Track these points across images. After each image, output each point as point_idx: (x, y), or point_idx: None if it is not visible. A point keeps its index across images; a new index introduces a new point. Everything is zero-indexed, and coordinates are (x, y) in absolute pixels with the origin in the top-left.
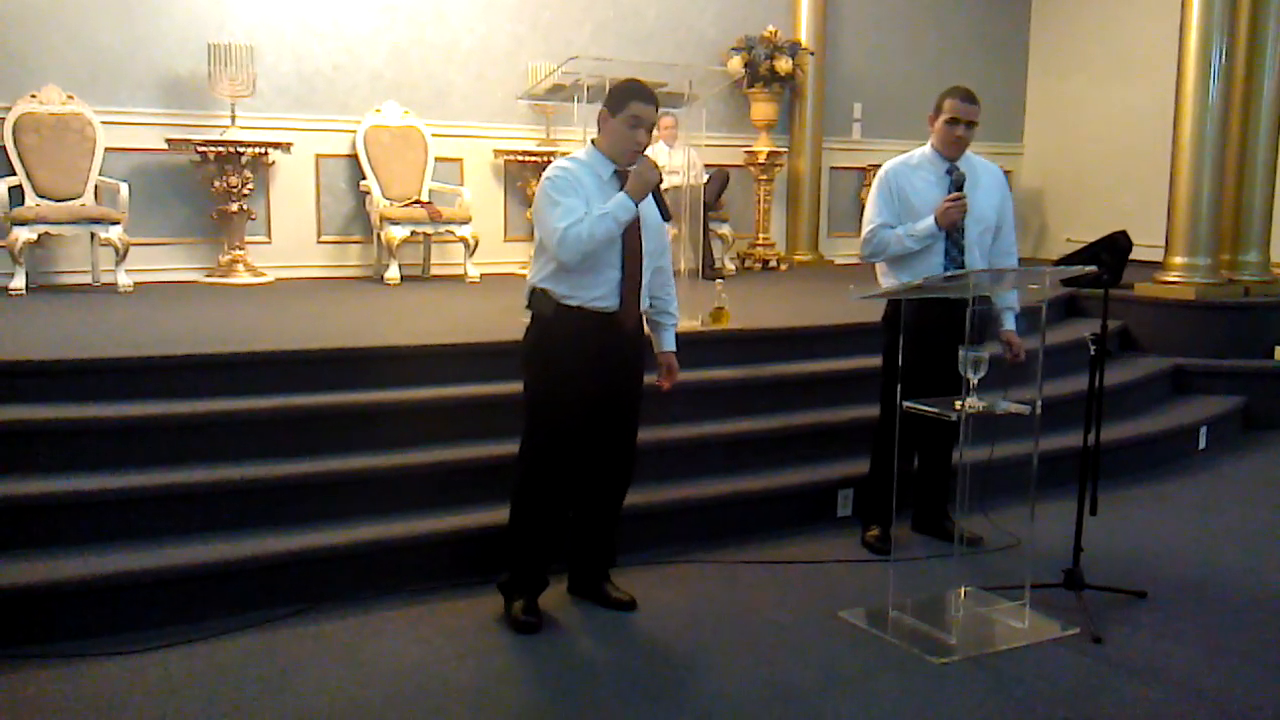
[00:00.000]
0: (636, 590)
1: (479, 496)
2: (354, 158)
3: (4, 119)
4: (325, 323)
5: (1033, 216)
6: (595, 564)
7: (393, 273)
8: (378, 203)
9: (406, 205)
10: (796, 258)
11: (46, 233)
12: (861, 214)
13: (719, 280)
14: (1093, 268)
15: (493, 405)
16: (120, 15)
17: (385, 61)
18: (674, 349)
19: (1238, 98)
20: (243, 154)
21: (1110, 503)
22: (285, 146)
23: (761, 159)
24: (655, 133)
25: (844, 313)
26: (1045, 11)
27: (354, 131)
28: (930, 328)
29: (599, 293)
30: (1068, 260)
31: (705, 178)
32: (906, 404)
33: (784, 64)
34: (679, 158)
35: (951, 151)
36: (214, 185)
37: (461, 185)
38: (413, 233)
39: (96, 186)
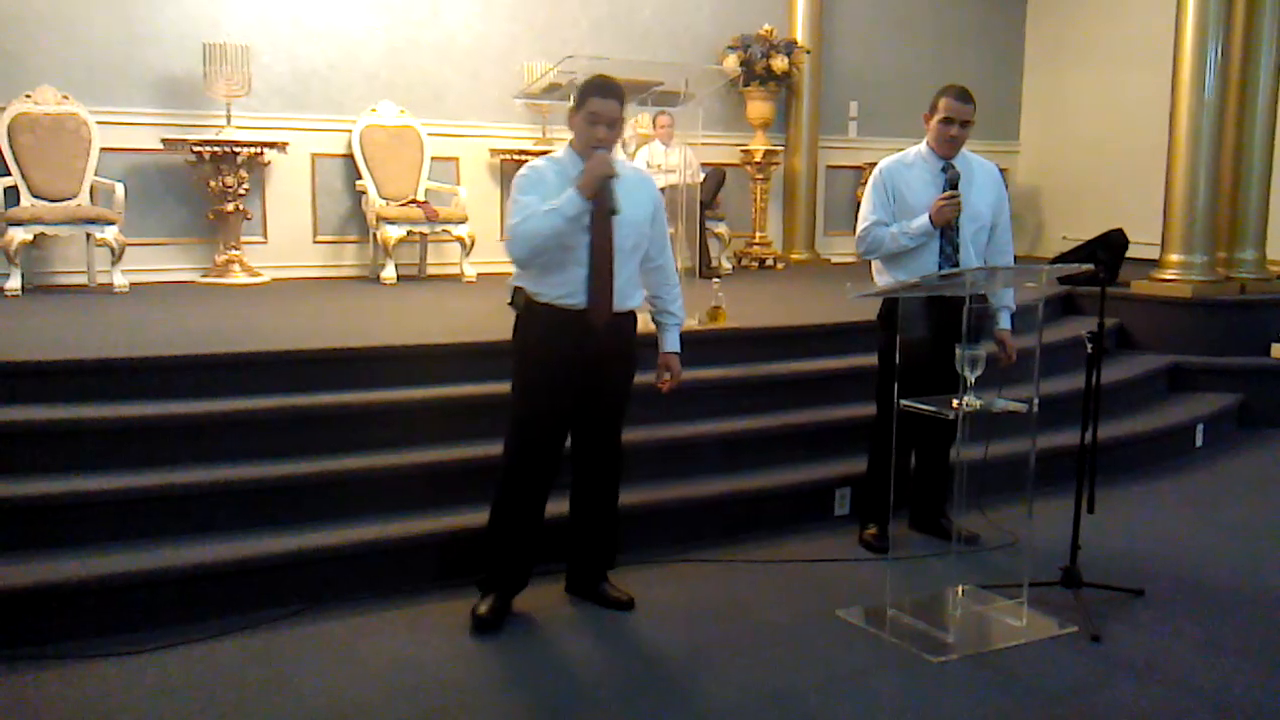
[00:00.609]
0: (634, 589)
1: (476, 496)
2: (350, 157)
3: None
4: (322, 323)
5: (1029, 214)
6: (593, 564)
7: (389, 272)
8: (374, 202)
9: (403, 205)
10: (793, 256)
11: (42, 233)
12: (858, 212)
13: (715, 279)
14: (1089, 265)
15: (490, 405)
16: (115, 15)
17: (381, 61)
18: (675, 350)
19: (1234, 95)
20: (238, 154)
21: (1107, 501)
22: (281, 146)
23: (758, 158)
24: (651, 131)
25: (841, 311)
26: (1041, 9)
27: (350, 131)
28: (926, 326)
29: (565, 290)
30: (1064, 258)
31: (701, 176)
32: (903, 403)
33: (780, 62)
34: (675, 156)
35: (946, 150)
36: (210, 185)
37: (458, 185)
38: (409, 232)
39: (92, 187)
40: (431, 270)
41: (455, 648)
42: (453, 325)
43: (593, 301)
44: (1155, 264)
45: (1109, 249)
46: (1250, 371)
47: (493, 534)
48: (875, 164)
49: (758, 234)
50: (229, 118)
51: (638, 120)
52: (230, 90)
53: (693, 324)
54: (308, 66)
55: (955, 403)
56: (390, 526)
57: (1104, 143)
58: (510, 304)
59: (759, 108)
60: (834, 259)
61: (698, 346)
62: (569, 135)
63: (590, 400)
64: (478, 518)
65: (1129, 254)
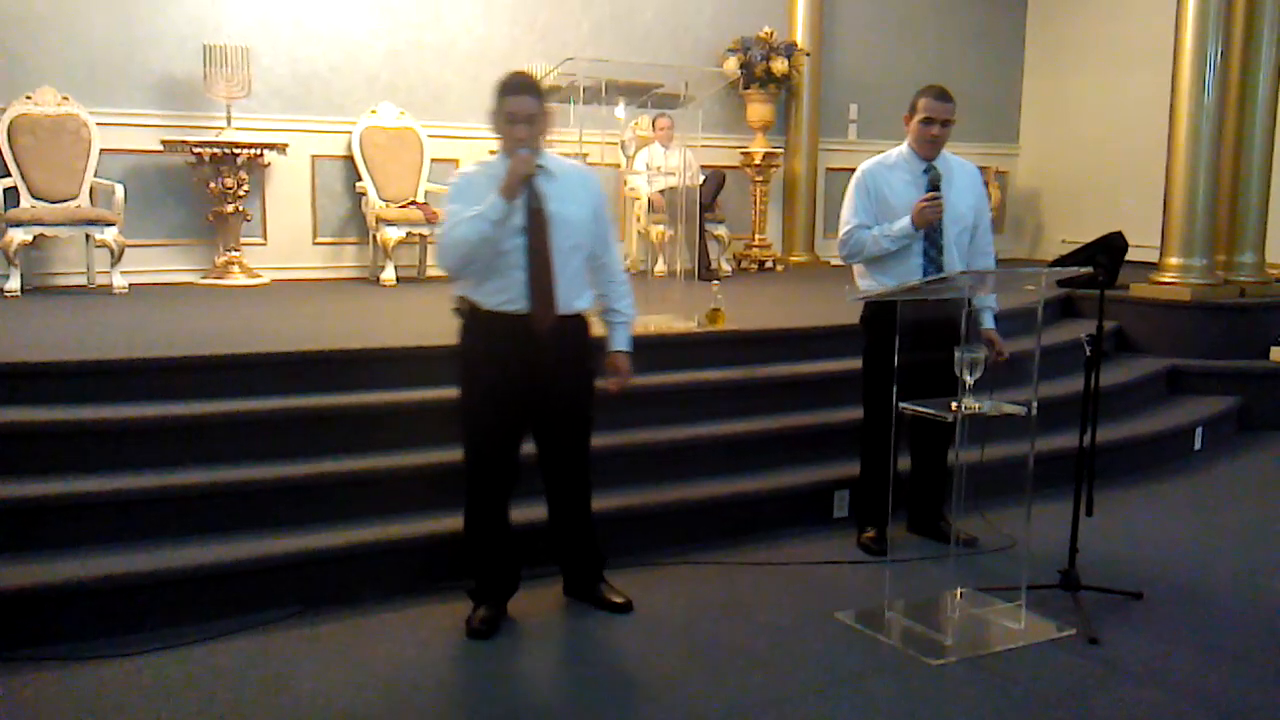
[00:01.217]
0: (633, 591)
1: None
2: (350, 159)
3: None
4: (321, 324)
5: (1028, 217)
6: (585, 568)
7: (389, 274)
8: (373, 204)
9: (402, 206)
10: (792, 259)
11: (42, 234)
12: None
13: (715, 281)
14: (1088, 268)
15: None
16: (116, 16)
17: (381, 63)
18: (624, 349)
19: (1233, 98)
20: (238, 155)
21: (1106, 504)
22: (281, 148)
23: (757, 160)
24: (651, 133)
25: (840, 314)
26: (1041, 12)
27: (350, 133)
28: (912, 329)
29: (506, 295)
30: (1064, 261)
31: (701, 179)
32: (903, 405)
33: (780, 65)
34: (675, 159)
35: (927, 151)
36: (209, 187)
37: None
38: (408, 234)
39: (92, 188)
40: (431, 272)
41: (454, 650)
42: (452, 327)
43: (534, 305)
44: (1155, 267)
45: (1108, 252)
46: (1249, 374)
47: (468, 543)
48: None
49: (757, 236)
50: (229, 119)
51: (638, 123)
52: (230, 92)
53: (692, 326)
54: (308, 68)
55: (954, 405)
56: (389, 528)
57: (1104, 145)
58: (455, 311)
59: (759, 110)
60: (834, 261)
61: (697, 348)
62: (568, 137)
63: (546, 408)
64: None
65: (1128, 257)
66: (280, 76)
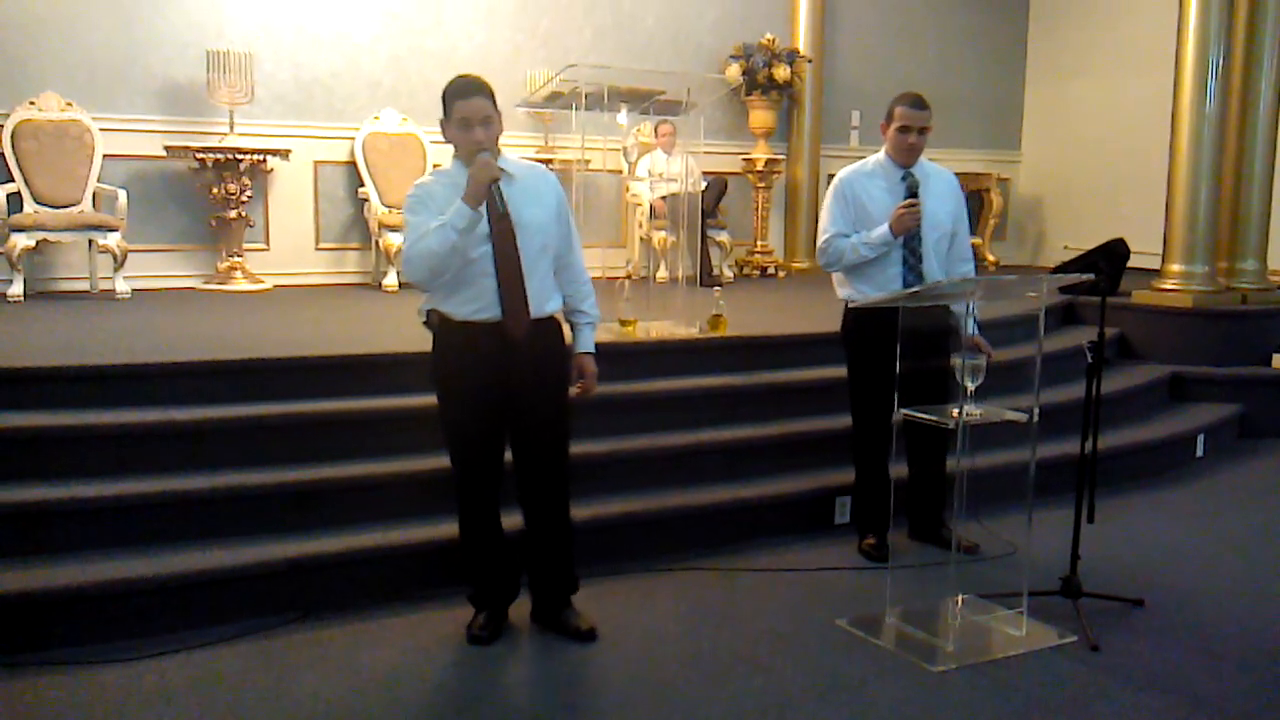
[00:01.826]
0: (633, 597)
1: None
2: (352, 165)
3: (2, 126)
4: (324, 330)
5: (1030, 224)
6: (552, 590)
7: (391, 280)
8: (376, 210)
9: None
10: (794, 265)
11: (45, 239)
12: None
13: (717, 287)
14: (1090, 275)
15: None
16: (119, 22)
17: (384, 69)
18: (589, 350)
19: (1235, 104)
20: (241, 161)
21: (1108, 511)
22: (284, 154)
23: (760, 166)
24: (653, 140)
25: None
26: (1043, 19)
27: (352, 139)
28: (890, 336)
29: (478, 304)
30: (1065, 267)
31: (703, 185)
32: (904, 412)
33: (782, 71)
34: (677, 165)
35: (905, 158)
36: (212, 192)
37: None
38: None
39: (95, 193)
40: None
41: (454, 656)
42: None
43: (507, 311)
44: (1156, 274)
45: (1110, 259)
46: (1251, 382)
47: (464, 550)
48: None
49: (759, 242)
50: (232, 125)
51: (640, 129)
52: (233, 97)
53: (694, 332)
54: (311, 74)
55: (955, 412)
56: (390, 533)
57: (1106, 152)
58: (425, 324)
59: (761, 116)
60: None
61: (698, 355)
62: (570, 143)
63: (523, 414)
64: None
65: (1130, 264)
66: (283, 82)
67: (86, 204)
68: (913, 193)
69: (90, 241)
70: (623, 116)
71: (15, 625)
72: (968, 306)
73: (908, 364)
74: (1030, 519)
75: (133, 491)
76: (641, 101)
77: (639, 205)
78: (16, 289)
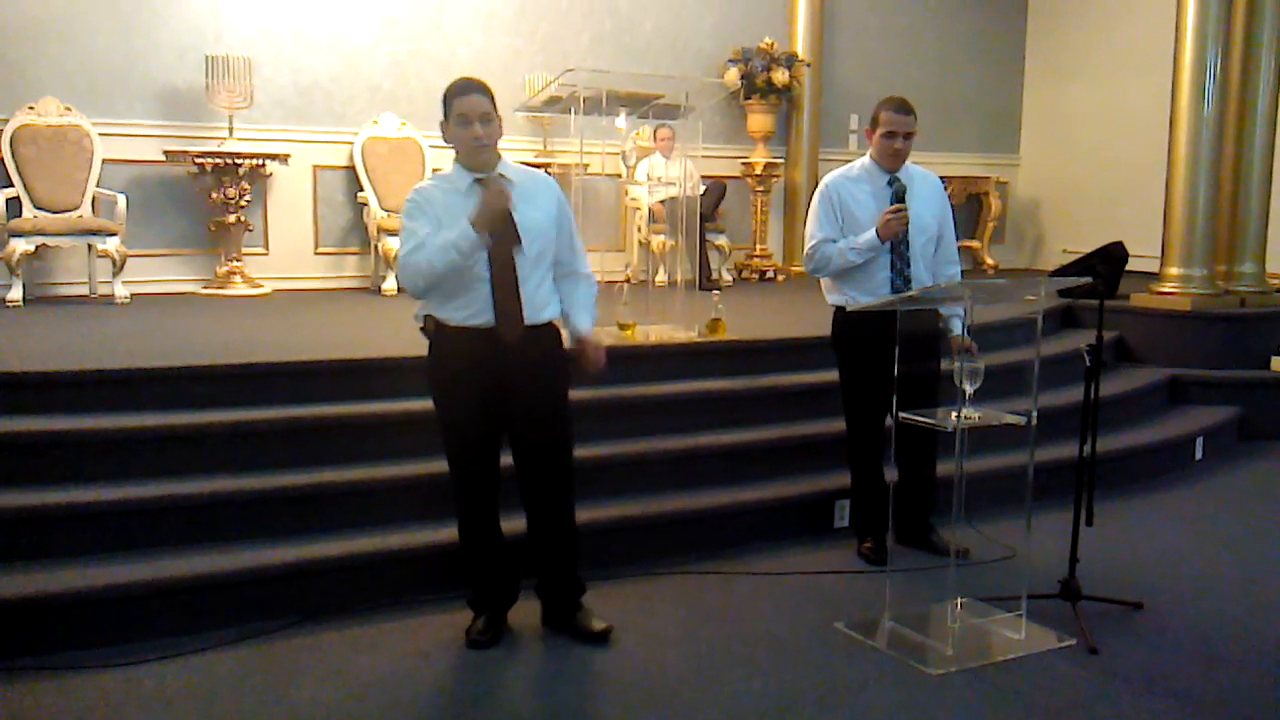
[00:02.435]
0: (632, 601)
1: None
2: (351, 169)
3: (2, 131)
4: (323, 334)
5: (1029, 227)
6: (561, 594)
7: (390, 284)
8: (375, 214)
9: None
10: (793, 269)
11: (44, 244)
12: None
13: (716, 291)
14: (1088, 279)
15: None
16: (118, 27)
17: (383, 73)
18: (586, 332)
19: (1233, 108)
20: (240, 165)
21: (1106, 514)
22: (283, 158)
23: (758, 170)
24: (652, 144)
25: None
26: (1042, 22)
27: (351, 143)
28: (881, 340)
29: (473, 309)
30: (1064, 271)
31: (702, 189)
32: (902, 415)
33: (780, 76)
34: (675, 169)
35: (891, 163)
36: (211, 197)
37: None
38: None
39: (94, 198)
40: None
41: (453, 661)
42: None
43: (501, 317)
44: (1155, 277)
45: (1109, 262)
46: (1250, 384)
47: (463, 554)
48: None
49: (758, 246)
50: (231, 129)
51: (639, 133)
52: (232, 102)
53: (692, 336)
54: (309, 79)
55: (953, 415)
56: (390, 538)
57: (1104, 155)
58: (421, 330)
59: (759, 120)
60: None
61: (697, 358)
62: (568, 147)
63: (521, 421)
64: None
65: (1129, 267)
66: (282, 87)
67: (85, 209)
68: (899, 198)
69: (89, 246)
70: (621, 121)
71: (14, 630)
72: (965, 310)
73: (901, 368)
74: (1029, 522)
75: (131, 496)
76: (640, 106)
77: (638, 209)
78: (15, 294)
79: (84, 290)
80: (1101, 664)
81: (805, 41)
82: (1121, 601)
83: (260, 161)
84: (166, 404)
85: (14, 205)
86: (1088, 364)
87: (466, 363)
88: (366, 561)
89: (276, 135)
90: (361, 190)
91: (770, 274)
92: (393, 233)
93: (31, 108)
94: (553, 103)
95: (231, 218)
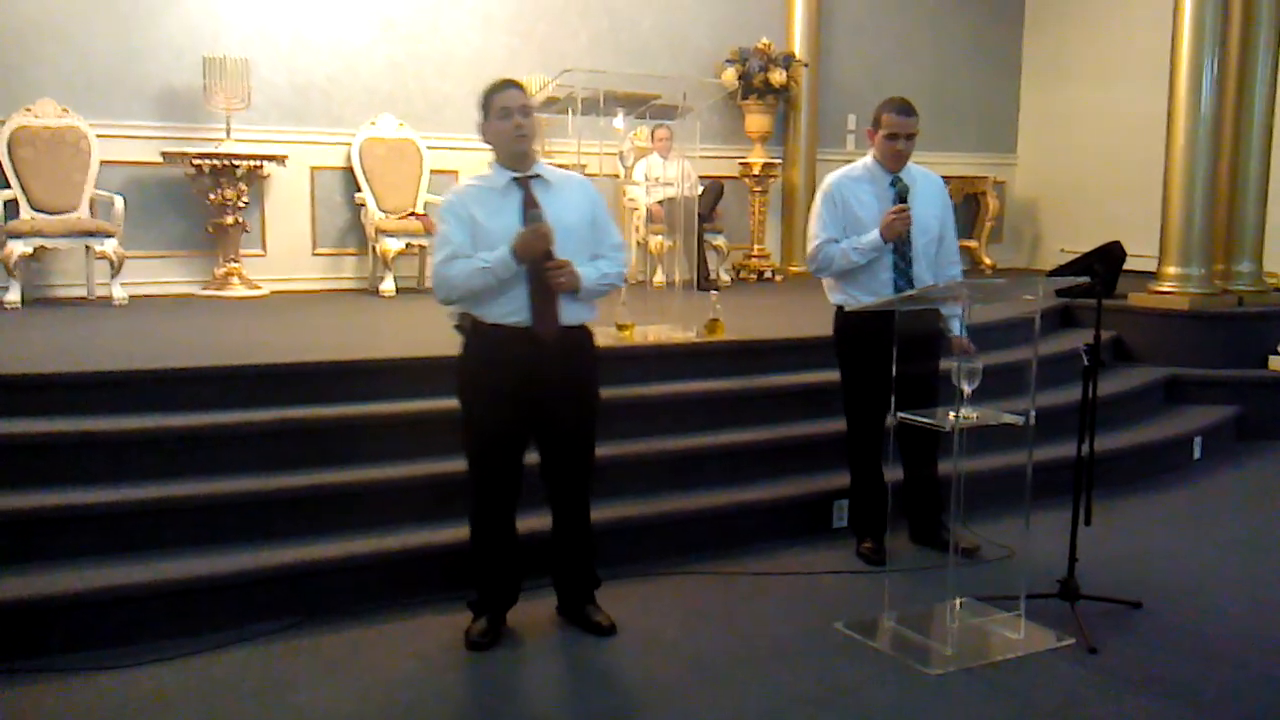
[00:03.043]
0: (631, 601)
1: None
2: (349, 170)
3: None
4: (321, 335)
5: (1027, 227)
6: (576, 587)
7: (388, 285)
8: (373, 215)
9: (402, 218)
10: (791, 269)
11: (41, 246)
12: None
13: (714, 291)
14: (1086, 278)
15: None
16: (115, 29)
17: (380, 74)
18: (583, 274)
19: (1230, 107)
20: (238, 167)
21: (1105, 513)
22: (280, 159)
23: (756, 170)
24: (649, 144)
25: None
26: (1039, 22)
27: (349, 144)
28: (882, 340)
29: (511, 307)
30: (1061, 271)
31: (699, 189)
32: (900, 415)
33: (778, 76)
34: (673, 169)
35: (893, 164)
36: (209, 198)
37: None
38: (408, 245)
39: (91, 200)
40: (430, 283)
41: (452, 662)
42: (451, 338)
43: (537, 319)
44: (1153, 276)
45: (1106, 261)
46: (1248, 383)
47: (474, 555)
48: None
49: (756, 246)
50: (228, 130)
51: (636, 134)
52: (230, 103)
53: (690, 336)
54: (307, 79)
55: (951, 415)
56: (388, 539)
57: (1102, 155)
58: (456, 328)
59: (757, 121)
60: None
61: (696, 359)
62: (566, 148)
63: (548, 420)
64: None
65: (1126, 266)
66: (279, 88)
67: (83, 210)
68: (902, 198)
69: (87, 248)
70: (619, 121)
71: (13, 632)
72: (963, 310)
73: (899, 367)
74: (1028, 522)
75: (130, 498)
76: (637, 106)
77: (635, 210)
78: (13, 295)
79: (82, 292)
80: (1100, 663)
81: (802, 42)
82: (1120, 601)
83: (258, 163)
84: (164, 405)
85: (11, 207)
86: (1086, 363)
87: (501, 360)
88: (365, 563)
89: (274, 136)
90: (359, 191)
91: (768, 274)
92: (391, 233)
93: (29, 109)
94: (550, 103)
95: (229, 219)
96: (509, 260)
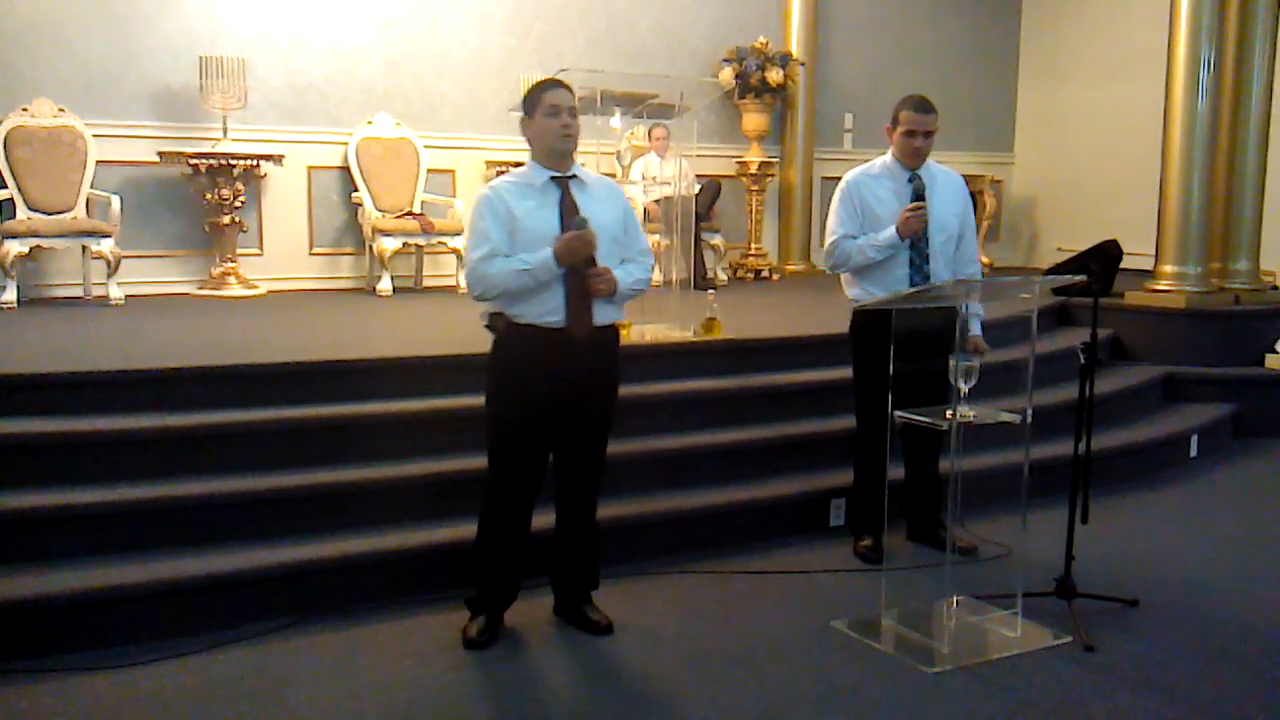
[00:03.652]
0: (628, 600)
1: (471, 509)
2: (346, 170)
3: None
4: (317, 335)
5: (1024, 225)
6: (575, 585)
7: (385, 284)
8: (370, 214)
9: (399, 217)
10: (789, 268)
11: (38, 246)
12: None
13: (711, 291)
14: (1083, 277)
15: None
16: (112, 28)
17: (377, 74)
18: (619, 276)
19: (1226, 106)
20: (235, 166)
21: (1102, 511)
22: (277, 159)
23: (753, 169)
24: (646, 143)
25: (836, 322)
26: (1036, 21)
27: (346, 144)
28: (902, 338)
29: (545, 307)
30: (1058, 269)
31: (697, 188)
32: (897, 414)
33: (775, 75)
34: (670, 168)
35: (911, 161)
36: (206, 198)
37: (454, 197)
38: (405, 244)
39: (88, 199)
40: (427, 282)
41: (449, 662)
42: (449, 337)
43: (572, 319)
44: (1149, 274)
45: (1103, 260)
46: (1245, 382)
47: (481, 552)
48: None
49: (753, 245)
50: (225, 130)
51: (633, 133)
52: (227, 103)
53: (688, 335)
54: (304, 79)
55: (949, 414)
56: (385, 539)
57: (1099, 154)
58: (488, 328)
59: (754, 120)
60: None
61: (693, 358)
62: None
63: (574, 418)
64: (473, 530)
65: (1123, 265)
66: (276, 88)
67: (80, 210)
68: (919, 196)
69: (84, 248)
70: (616, 120)
71: (10, 632)
72: (967, 308)
73: (909, 365)
74: (1025, 520)
75: (127, 498)
76: (635, 105)
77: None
78: (10, 295)
79: (78, 292)
80: (1097, 661)
81: (799, 41)
82: (1117, 599)
83: (255, 162)
84: (161, 405)
85: (8, 207)
86: (1082, 362)
87: (533, 359)
88: (362, 562)
89: (271, 136)
90: (356, 191)
91: (765, 273)
92: (387, 233)
93: (25, 109)
94: None
95: (226, 219)
96: (551, 263)
